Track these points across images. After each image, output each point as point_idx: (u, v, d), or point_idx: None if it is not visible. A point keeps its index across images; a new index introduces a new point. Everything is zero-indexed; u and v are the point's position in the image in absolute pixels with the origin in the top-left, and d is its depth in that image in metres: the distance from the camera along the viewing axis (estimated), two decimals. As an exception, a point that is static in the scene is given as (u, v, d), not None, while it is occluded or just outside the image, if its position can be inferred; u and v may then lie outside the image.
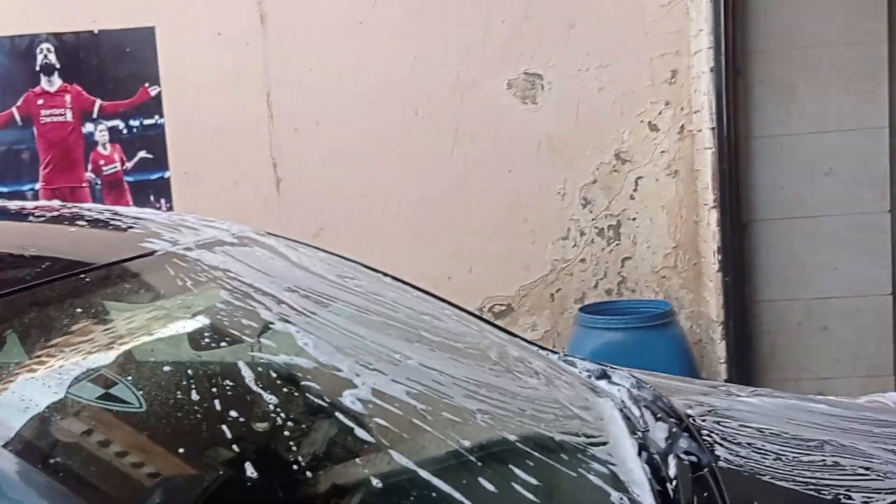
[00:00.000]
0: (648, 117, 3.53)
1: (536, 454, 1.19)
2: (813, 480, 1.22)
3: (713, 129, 3.15)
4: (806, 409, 1.69)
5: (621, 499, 1.16)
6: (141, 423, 0.94)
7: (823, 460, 1.32)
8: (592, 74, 3.52)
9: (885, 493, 1.16)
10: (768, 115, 3.19)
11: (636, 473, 1.26)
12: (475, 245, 3.64)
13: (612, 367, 1.90)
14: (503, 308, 3.67)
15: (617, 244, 3.61)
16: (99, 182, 3.74)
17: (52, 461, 0.81)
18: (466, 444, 1.11)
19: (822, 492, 1.18)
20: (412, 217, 3.64)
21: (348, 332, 1.34)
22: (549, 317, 3.66)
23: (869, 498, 1.14)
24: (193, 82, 3.63)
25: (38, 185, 3.73)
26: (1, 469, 0.73)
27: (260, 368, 1.13)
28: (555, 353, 2.07)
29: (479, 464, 1.10)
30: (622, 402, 1.63)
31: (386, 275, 1.92)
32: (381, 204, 3.64)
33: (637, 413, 1.55)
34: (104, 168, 3.73)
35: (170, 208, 3.69)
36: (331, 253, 1.90)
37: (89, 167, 3.72)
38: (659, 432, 1.46)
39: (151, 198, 3.73)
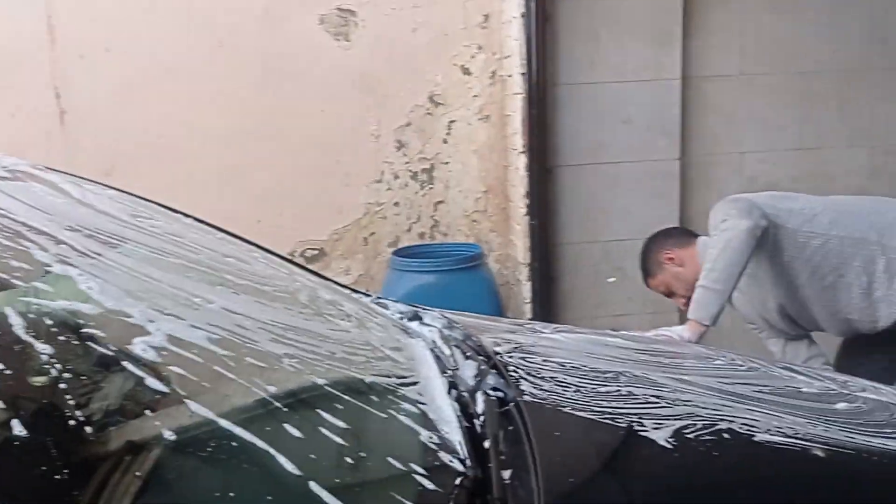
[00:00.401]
0: (461, 60, 3.54)
1: (346, 397, 1.15)
2: (609, 410, 1.28)
3: (523, 74, 3.21)
4: (603, 342, 1.78)
5: (430, 437, 1.16)
6: None
7: (619, 390, 1.39)
8: (407, 14, 3.46)
9: (674, 420, 1.23)
10: (574, 63, 3.29)
11: (445, 411, 1.27)
12: (286, 187, 3.52)
13: (424, 309, 1.91)
14: (316, 252, 3.59)
15: (430, 188, 3.62)
16: None
17: None
18: (272, 390, 1.06)
19: (618, 420, 1.24)
20: (217, 155, 3.45)
21: (141, 275, 1.23)
22: (363, 261, 3.63)
23: (659, 424, 1.21)
24: (-43, -3, 3.19)
25: None
26: None
27: (33, 315, 1.00)
28: (367, 295, 2.04)
29: (286, 410, 1.05)
30: (433, 342, 1.63)
31: (187, 215, 1.79)
32: (183, 140, 3.41)
33: (448, 352, 1.55)
34: None
35: (-69, 141, 3.25)
36: (123, 191, 1.74)
37: None
38: (468, 370, 1.47)
39: None
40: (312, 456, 0.98)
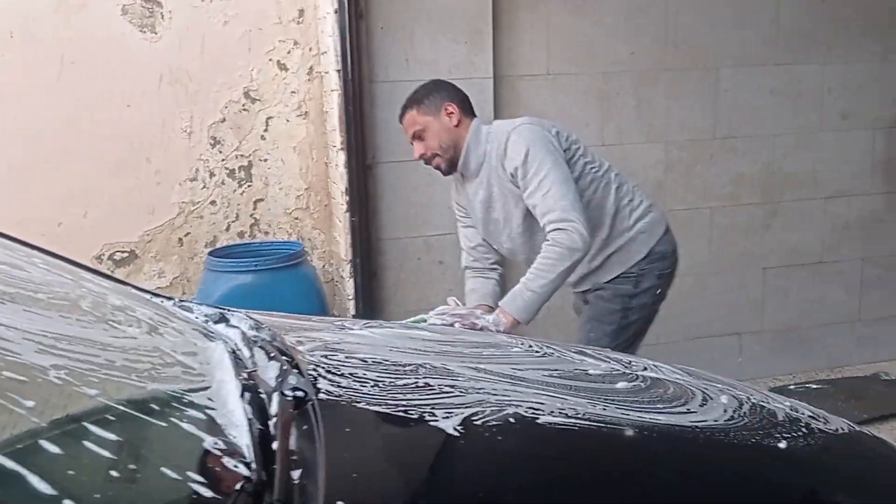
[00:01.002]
0: (278, 56, 3.47)
1: (120, 407, 1.09)
2: (404, 402, 1.30)
3: (339, 71, 3.19)
4: (409, 336, 1.81)
5: (215, 443, 1.12)
6: None
7: (416, 382, 1.41)
8: (217, 6, 3.35)
9: (464, 408, 1.27)
10: (390, 60, 3.31)
11: (236, 415, 1.23)
12: (91, 186, 3.31)
13: (230, 311, 1.85)
14: (125, 255, 3.40)
15: (249, 185, 3.53)
16: None
17: None
18: (29, 405, 0.98)
19: (410, 411, 1.26)
20: (11, 153, 3.19)
21: None
22: (178, 262, 3.48)
23: (449, 413, 1.24)
24: None
25: None
26: None
27: None
28: (169, 299, 1.96)
29: (43, 425, 0.98)
30: (235, 344, 1.59)
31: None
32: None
33: (248, 354, 1.52)
34: None
35: None
36: None
37: None
38: (270, 371, 1.45)
39: None
40: (71, 472, 0.92)
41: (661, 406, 1.40)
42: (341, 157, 3.29)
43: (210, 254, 3.24)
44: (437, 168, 2.52)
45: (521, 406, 1.31)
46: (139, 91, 3.31)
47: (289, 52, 3.48)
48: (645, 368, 1.64)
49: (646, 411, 1.35)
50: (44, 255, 1.70)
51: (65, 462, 0.92)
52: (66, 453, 0.94)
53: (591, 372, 1.58)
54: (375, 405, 1.30)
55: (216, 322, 1.79)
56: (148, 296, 1.83)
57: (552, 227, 2.29)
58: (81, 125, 3.26)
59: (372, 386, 1.38)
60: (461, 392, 1.38)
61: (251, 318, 1.84)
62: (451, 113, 2.45)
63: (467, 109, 2.51)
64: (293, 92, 3.51)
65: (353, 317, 3.29)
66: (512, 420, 1.26)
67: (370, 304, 3.35)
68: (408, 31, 3.31)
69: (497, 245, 2.62)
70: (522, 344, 1.76)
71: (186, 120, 3.39)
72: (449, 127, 2.45)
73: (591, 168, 2.50)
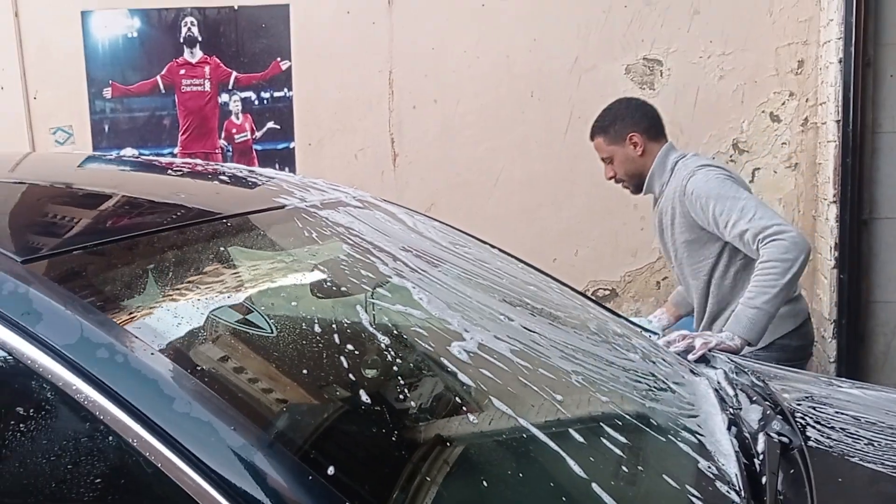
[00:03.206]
0: (771, 107, 3.46)
1: (627, 416, 1.25)
2: (904, 467, 1.24)
3: (838, 121, 3.06)
4: (908, 403, 1.68)
5: (708, 466, 1.21)
6: (271, 349, 1.07)
7: (919, 450, 1.32)
8: (714, 62, 3.47)
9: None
10: (899, 110, 3.07)
11: (724, 445, 1.31)
12: (582, 228, 3.68)
13: (712, 353, 1.94)
14: (607, 292, 3.70)
15: (728, 235, 3.55)
16: (230, 149, 3.99)
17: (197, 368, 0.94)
18: (559, 399, 1.19)
19: (912, 477, 1.19)
20: (522, 196, 3.71)
21: (457, 291, 1.44)
22: (654, 304, 3.66)
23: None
24: (322, 58, 3.81)
25: (176, 150, 4.02)
26: (156, 370, 0.87)
27: (375, 314, 1.24)
28: (655, 334, 2.12)
29: (573, 419, 1.18)
30: (718, 382, 1.67)
31: (493, 247, 2.02)
32: (493, 182, 3.72)
33: (731, 393, 1.59)
34: (236, 136, 3.98)
35: (293, 177, 3.90)
36: (443, 223, 2.01)
37: (222, 135, 3.98)
38: (753, 413, 1.50)
39: (277, 166, 3.95)
40: (593, 461, 1.10)
41: None
42: (833, 211, 3.13)
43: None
44: (626, 188, 2.62)
45: None
46: (633, 143, 3.59)
47: (783, 104, 3.44)
48: None
49: None
50: (558, 283, 1.99)
51: (587, 452, 1.11)
52: (589, 444, 1.12)
53: None
54: (870, 463, 1.26)
55: (697, 361, 1.89)
56: (640, 329, 2.01)
57: (761, 245, 2.22)
58: (578, 173, 3.65)
59: (865, 444, 1.34)
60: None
61: (733, 361, 1.90)
62: (636, 143, 2.50)
63: (653, 135, 2.52)
64: (784, 143, 3.45)
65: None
66: None
67: (855, 371, 3.11)
68: (924, 77, 3.03)
69: (671, 268, 2.68)
70: None
71: (674, 170, 3.56)
72: (633, 157, 2.51)
73: None
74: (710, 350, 1.93)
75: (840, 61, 3.02)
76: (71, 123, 4.05)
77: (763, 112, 3.46)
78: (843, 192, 3.08)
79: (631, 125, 2.53)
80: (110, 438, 0.83)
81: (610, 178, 2.62)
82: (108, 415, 0.81)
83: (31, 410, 0.88)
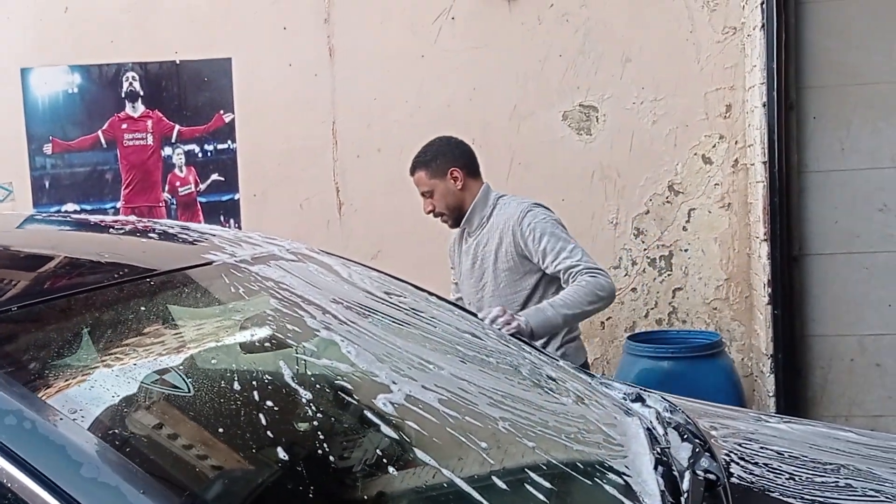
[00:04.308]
0: (702, 150, 3.57)
1: (552, 460, 1.27)
2: (821, 499, 1.28)
3: (765, 162, 3.18)
4: (832, 436, 1.73)
5: (631, 506, 1.24)
6: (189, 408, 1.07)
7: (836, 482, 1.37)
8: (647, 107, 3.59)
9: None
10: (823, 150, 3.20)
11: (650, 485, 1.34)
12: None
13: (647, 391, 1.98)
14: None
15: (668, 274, 3.64)
16: (174, 202, 3.97)
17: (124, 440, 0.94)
18: (483, 446, 1.21)
19: (827, 510, 1.23)
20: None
21: (386, 342, 1.45)
22: (599, 344, 3.71)
23: (875, 518, 1.19)
24: (265, 110, 3.85)
25: (118, 204, 3.99)
26: (65, 435, 0.86)
27: (299, 369, 1.25)
28: (593, 376, 2.15)
29: (495, 465, 1.19)
30: (650, 422, 1.70)
31: (432, 294, 2.04)
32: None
33: (661, 432, 1.62)
34: (180, 189, 3.97)
35: (238, 228, 3.90)
36: (382, 272, 2.03)
37: (166, 188, 3.97)
38: (683, 451, 1.53)
39: (222, 218, 3.95)
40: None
41: None
42: (764, 248, 3.23)
43: (629, 338, 3.41)
44: (445, 222, 2.74)
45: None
46: (574, 186, 3.67)
47: (714, 146, 3.56)
48: None
49: None
50: (492, 329, 2.01)
51: (511, 500, 1.12)
52: (514, 493, 1.13)
53: None
54: (789, 497, 1.29)
55: (633, 400, 1.92)
56: (575, 371, 2.04)
57: (588, 272, 2.44)
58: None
59: (787, 478, 1.38)
60: (887, 498, 1.30)
61: (666, 399, 1.93)
62: (456, 178, 2.64)
63: (471, 172, 2.68)
64: (717, 184, 3.57)
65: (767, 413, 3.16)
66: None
67: (793, 404, 3.18)
68: (843, 120, 3.17)
69: (468, 299, 2.74)
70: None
71: (613, 212, 3.65)
72: (454, 191, 2.65)
73: None
74: (508, 325, 2.20)
75: (764, 105, 3.15)
76: (11, 181, 4.00)
77: (695, 154, 3.58)
78: (773, 230, 3.18)
79: (452, 161, 2.68)
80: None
81: (429, 213, 2.74)
82: (15, 482, 0.80)
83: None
